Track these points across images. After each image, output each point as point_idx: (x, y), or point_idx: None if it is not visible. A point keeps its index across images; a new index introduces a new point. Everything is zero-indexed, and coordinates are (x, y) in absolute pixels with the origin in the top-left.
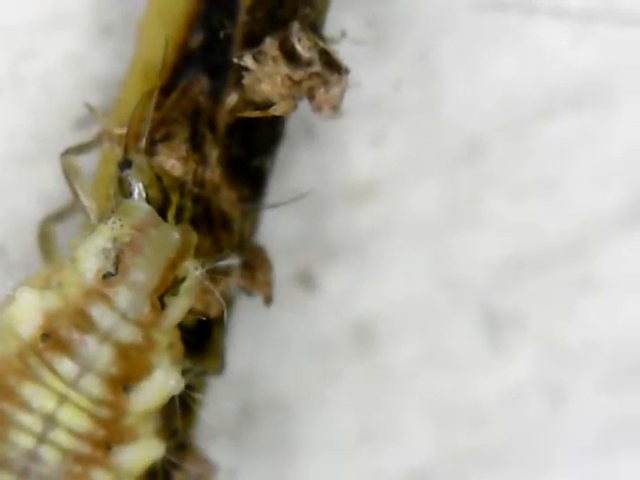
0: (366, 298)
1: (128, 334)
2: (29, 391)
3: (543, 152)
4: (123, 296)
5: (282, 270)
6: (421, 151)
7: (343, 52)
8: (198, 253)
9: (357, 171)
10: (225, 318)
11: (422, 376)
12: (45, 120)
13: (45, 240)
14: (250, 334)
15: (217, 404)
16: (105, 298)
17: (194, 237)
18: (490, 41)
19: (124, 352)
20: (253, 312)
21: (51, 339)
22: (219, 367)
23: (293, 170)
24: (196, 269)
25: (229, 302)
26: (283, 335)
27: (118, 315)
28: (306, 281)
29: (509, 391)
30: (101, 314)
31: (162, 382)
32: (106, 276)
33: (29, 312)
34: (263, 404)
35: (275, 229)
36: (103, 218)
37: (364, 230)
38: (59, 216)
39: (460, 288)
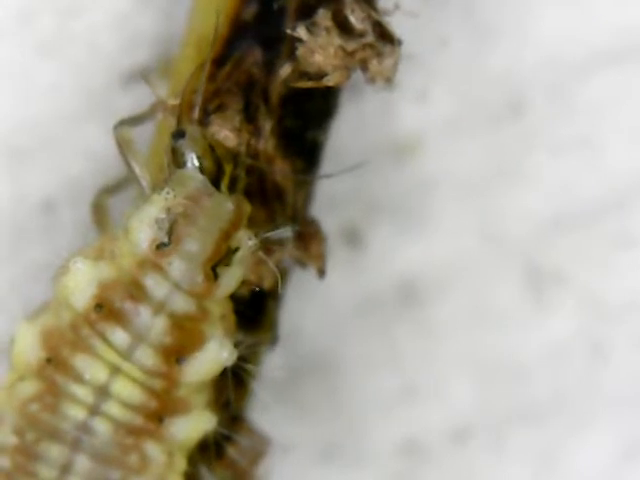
0: (411, 255)
1: (181, 304)
2: (82, 362)
3: (585, 110)
4: (176, 266)
5: (327, 227)
6: (465, 108)
7: (395, 23)
8: (252, 224)
9: (402, 127)
10: (279, 290)
11: (466, 332)
12: (91, 77)
13: (99, 212)
14: (295, 292)
15: (264, 361)
16: (158, 268)
17: (247, 207)
18: None
19: (177, 323)
20: (297, 270)
21: (105, 309)
22: (272, 339)
23: (338, 127)
24: (249, 240)
25: (283, 274)
26: (328, 292)
27: (171, 285)
28: (351, 238)
29: (551, 347)
30: (155, 284)
31: (215, 353)
32: (159, 246)
33: (83, 282)
34: (309, 362)
35: (320, 186)
36: (156, 188)
37: (409, 187)
38: (113, 188)
39: (503, 245)
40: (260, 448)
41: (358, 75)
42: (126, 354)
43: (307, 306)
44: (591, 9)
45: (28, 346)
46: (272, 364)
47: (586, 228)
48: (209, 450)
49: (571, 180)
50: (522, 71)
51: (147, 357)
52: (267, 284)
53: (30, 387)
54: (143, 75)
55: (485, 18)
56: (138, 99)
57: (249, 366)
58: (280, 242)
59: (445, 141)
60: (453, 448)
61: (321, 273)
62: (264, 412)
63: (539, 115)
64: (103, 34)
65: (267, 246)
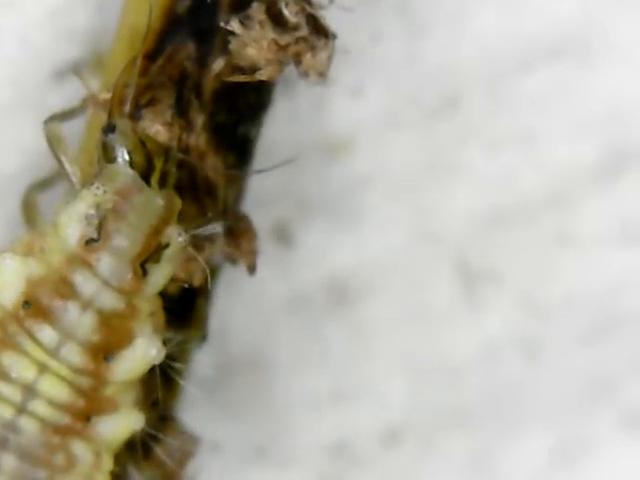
0: (342, 253)
1: (110, 301)
2: (9, 360)
3: (522, 105)
4: (105, 262)
5: (258, 224)
6: (400, 103)
7: (330, 18)
8: (182, 220)
9: (336, 123)
10: (208, 287)
11: (397, 332)
12: (23, 71)
13: (28, 208)
14: (225, 289)
15: (193, 361)
16: (87, 265)
17: (178, 203)
18: None
19: (106, 320)
20: (227, 266)
21: (33, 306)
22: (202, 336)
23: (270, 122)
24: (179, 235)
25: (213, 271)
26: (258, 290)
27: (100, 282)
28: (282, 235)
29: (485, 347)
30: (83, 281)
31: (143, 351)
32: (89, 242)
33: (11, 279)
34: (239, 360)
35: (251, 182)
36: (86, 184)
37: (341, 184)
38: (43, 184)
39: (437, 243)
40: (188, 448)
41: (291, 70)
42: (53, 352)
43: (237, 303)
44: (527, 2)
45: None
46: (202, 362)
47: (522, 226)
48: (137, 449)
49: (507, 176)
50: (458, 65)
51: (74, 355)
52: (197, 281)
53: None
54: (74, 69)
55: (420, 12)
56: (70, 94)
57: (178, 364)
58: (210, 238)
59: (379, 137)
60: (383, 450)
61: (251, 269)
62: (193, 410)
63: (475, 110)
64: (35, 28)
65: (197, 242)
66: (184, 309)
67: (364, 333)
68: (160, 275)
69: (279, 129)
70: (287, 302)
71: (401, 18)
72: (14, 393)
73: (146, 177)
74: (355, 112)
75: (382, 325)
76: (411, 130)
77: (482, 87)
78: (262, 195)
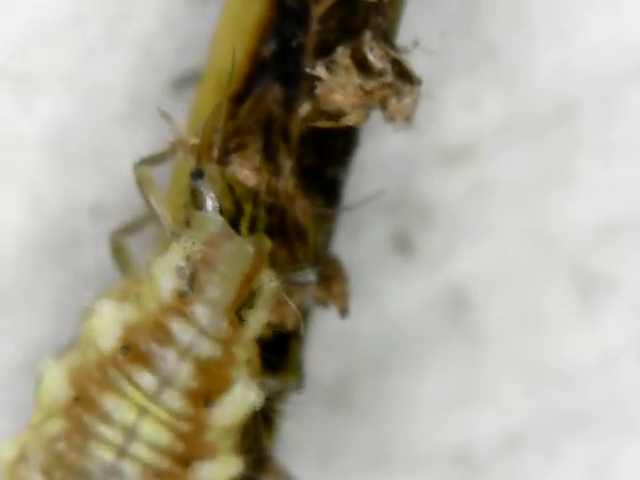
0: (461, 261)
1: (207, 349)
2: (110, 403)
3: (635, 114)
4: (200, 313)
5: (378, 233)
6: (515, 114)
7: (442, 34)
8: (272, 263)
9: (453, 134)
10: (302, 330)
11: (515, 339)
12: (141, 82)
13: (119, 252)
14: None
15: (314, 370)
16: (183, 314)
17: (268, 246)
18: (581, 3)
19: (204, 367)
20: (349, 274)
21: (131, 352)
22: (298, 381)
23: (387, 134)
24: (271, 281)
25: (305, 314)
26: (380, 298)
27: (197, 331)
28: (401, 244)
29: (602, 353)
30: (180, 329)
31: (242, 396)
32: (182, 294)
33: (109, 324)
34: (361, 367)
35: (372, 192)
36: (176, 234)
37: (459, 193)
38: (131, 228)
39: (553, 250)
40: None
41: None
42: (153, 396)
43: (359, 312)
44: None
45: (56, 384)
46: (324, 367)
47: (636, 233)
48: None
49: (621, 184)
50: (572, 75)
51: (174, 400)
52: (290, 325)
53: (57, 426)
54: (165, 116)
55: (535, 23)
56: (188, 104)
57: (275, 406)
58: (301, 282)
59: (495, 147)
60: (505, 456)
61: (344, 313)
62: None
63: (589, 120)
64: (153, 39)
65: (288, 287)
66: (278, 353)
67: (484, 339)
68: (256, 321)
69: (398, 140)
70: (408, 310)
71: (516, 29)
72: (115, 435)
73: (235, 222)
74: (472, 122)
75: (502, 331)
76: (527, 139)
77: (596, 97)
78: (382, 204)
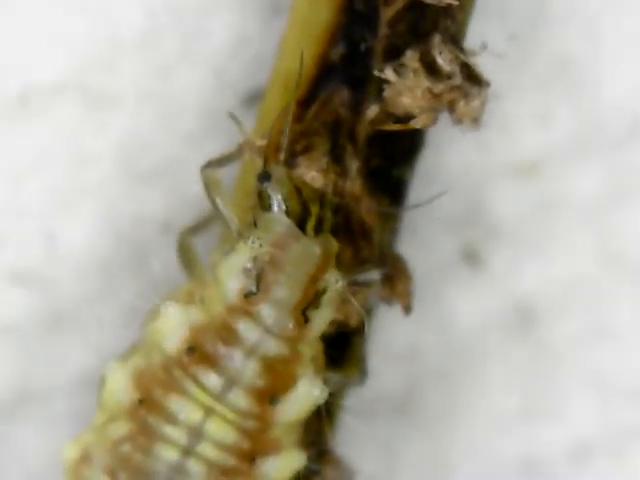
0: (530, 275)
1: (274, 348)
2: (175, 404)
3: None
4: (267, 313)
5: (447, 246)
6: (586, 130)
7: (510, 48)
8: (339, 263)
9: (523, 149)
10: (365, 327)
11: (584, 353)
12: (213, 98)
13: (185, 252)
14: (414, 310)
15: (380, 381)
16: (249, 314)
17: (335, 247)
18: None
19: (270, 365)
20: (418, 287)
21: (197, 353)
22: (361, 376)
23: (460, 147)
24: (337, 281)
25: (368, 312)
26: (448, 312)
27: (263, 330)
28: (471, 257)
29: None
30: (246, 329)
31: (307, 392)
32: (248, 295)
33: (175, 326)
34: (427, 379)
35: (440, 206)
36: (242, 235)
37: (529, 208)
38: (197, 228)
39: (622, 266)
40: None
41: None
42: (219, 396)
43: (427, 324)
44: None
45: (120, 387)
46: (390, 380)
47: None
48: None
49: None
50: None
51: (240, 399)
52: (354, 323)
53: (122, 428)
54: (231, 115)
55: (609, 37)
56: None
57: (336, 400)
58: (366, 282)
59: (566, 162)
60: (574, 467)
61: (407, 310)
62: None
63: None
64: (226, 56)
65: (354, 286)
66: (342, 350)
67: (551, 353)
68: (321, 320)
69: (468, 154)
70: (476, 324)
71: (591, 42)
72: (181, 436)
73: (302, 224)
74: (542, 137)
75: (570, 346)
76: (597, 155)
77: None
78: (451, 218)
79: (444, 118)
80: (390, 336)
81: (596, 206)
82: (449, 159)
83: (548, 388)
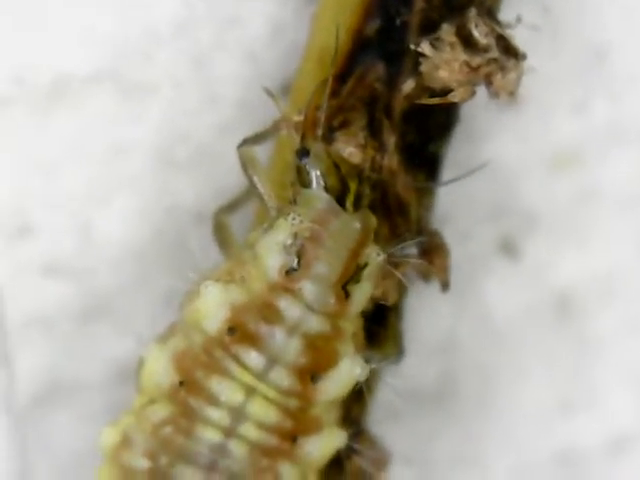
0: (568, 266)
1: (316, 325)
2: (217, 385)
3: None
4: (308, 289)
5: (484, 237)
6: (623, 119)
7: (548, 37)
8: (377, 239)
9: (560, 139)
10: (401, 304)
11: (624, 345)
12: (248, 89)
13: (221, 231)
14: (451, 301)
15: (417, 372)
16: (290, 291)
17: (374, 222)
18: None
19: (312, 342)
20: (454, 278)
21: (238, 332)
22: (398, 353)
23: (497, 137)
24: (378, 255)
25: (404, 288)
26: (485, 303)
27: (304, 307)
28: (508, 248)
29: None
30: (288, 306)
31: (349, 370)
32: (289, 272)
33: (215, 306)
34: (463, 371)
35: (478, 196)
36: (282, 212)
37: (567, 198)
38: (233, 206)
39: None
40: (384, 458)
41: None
42: (261, 375)
43: (463, 317)
44: None
45: (160, 369)
46: (426, 371)
47: None
48: (338, 464)
49: None
50: None
51: (282, 378)
52: (392, 298)
53: (163, 410)
54: (267, 91)
55: None
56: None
57: (374, 378)
58: (405, 256)
59: (603, 152)
60: (611, 460)
61: (445, 286)
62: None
63: None
64: (260, 45)
65: (392, 260)
66: (378, 327)
67: (590, 345)
68: (362, 295)
69: (505, 145)
70: (513, 315)
71: (627, 31)
72: (222, 417)
73: (341, 200)
74: (580, 127)
75: (608, 337)
76: (635, 145)
77: None
78: (488, 209)
79: (480, 104)
80: (427, 327)
81: (634, 196)
82: (486, 149)
83: (586, 381)
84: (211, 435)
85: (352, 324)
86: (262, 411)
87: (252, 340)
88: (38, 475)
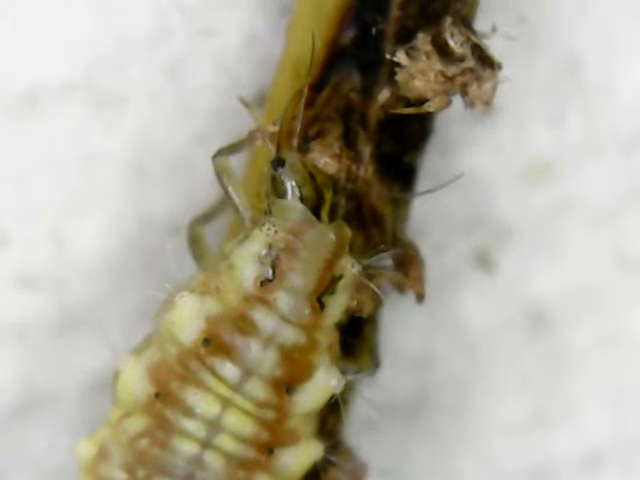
0: (543, 279)
1: (291, 336)
2: (192, 396)
3: None
4: (283, 300)
5: (459, 249)
6: (598, 133)
7: (523, 47)
8: (351, 250)
9: (534, 152)
10: (376, 316)
11: (597, 359)
12: (224, 98)
13: (196, 241)
14: (426, 313)
15: (392, 385)
16: (265, 303)
17: (349, 233)
18: None
19: (287, 354)
20: (429, 290)
21: (213, 344)
22: (373, 365)
23: (472, 148)
24: (352, 266)
25: (379, 300)
26: (458, 316)
27: (279, 318)
28: (483, 260)
29: None
30: (263, 318)
31: (324, 382)
32: (264, 282)
33: (190, 317)
34: (438, 384)
35: (451, 208)
36: (257, 222)
37: (541, 210)
38: (208, 217)
39: (635, 270)
40: (360, 470)
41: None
42: (237, 387)
43: (438, 329)
44: None
45: (136, 381)
46: (401, 384)
47: None
48: (314, 476)
49: None
50: None
51: (258, 389)
52: (367, 310)
53: (139, 423)
54: (242, 101)
55: (621, 38)
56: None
57: (349, 390)
58: (380, 267)
59: (577, 165)
60: (584, 474)
61: (420, 298)
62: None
63: None
64: (235, 56)
65: (367, 272)
66: (353, 339)
67: (564, 358)
68: (337, 306)
69: (480, 156)
70: (487, 328)
71: (602, 44)
72: (199, 428)
73: (316, 210)
74: (554, 140)
75: (582, 352)
76: (609, 158)
77: None
78: (463, 221)
79: (455, 116)
80: (402, 339)
81: (609, 209)
82: (461, 161)
83: (560, 395)
84: (187, 447)
85: (328, 336)
86: (238, 423)
87: (227, 352)
88: None
